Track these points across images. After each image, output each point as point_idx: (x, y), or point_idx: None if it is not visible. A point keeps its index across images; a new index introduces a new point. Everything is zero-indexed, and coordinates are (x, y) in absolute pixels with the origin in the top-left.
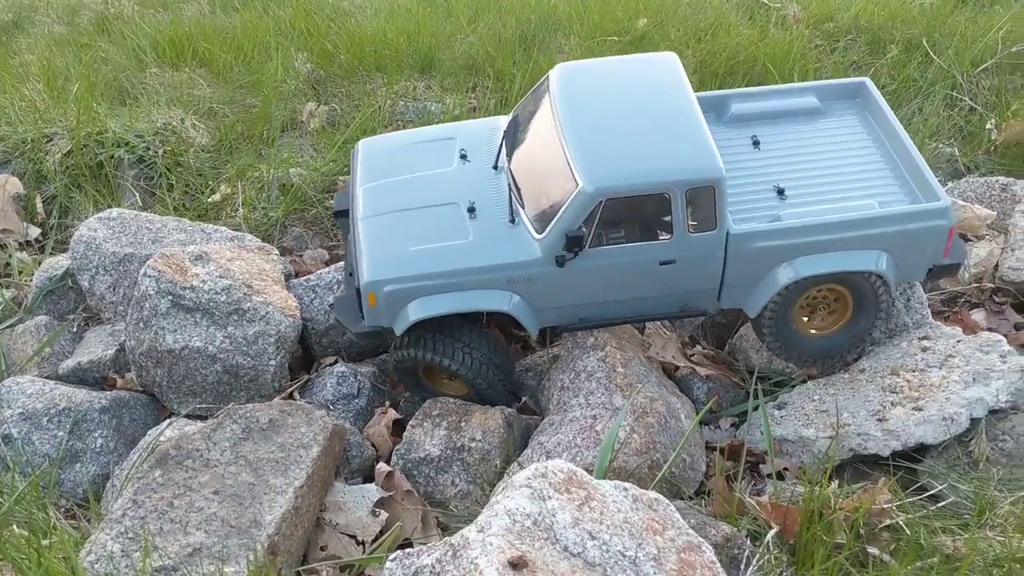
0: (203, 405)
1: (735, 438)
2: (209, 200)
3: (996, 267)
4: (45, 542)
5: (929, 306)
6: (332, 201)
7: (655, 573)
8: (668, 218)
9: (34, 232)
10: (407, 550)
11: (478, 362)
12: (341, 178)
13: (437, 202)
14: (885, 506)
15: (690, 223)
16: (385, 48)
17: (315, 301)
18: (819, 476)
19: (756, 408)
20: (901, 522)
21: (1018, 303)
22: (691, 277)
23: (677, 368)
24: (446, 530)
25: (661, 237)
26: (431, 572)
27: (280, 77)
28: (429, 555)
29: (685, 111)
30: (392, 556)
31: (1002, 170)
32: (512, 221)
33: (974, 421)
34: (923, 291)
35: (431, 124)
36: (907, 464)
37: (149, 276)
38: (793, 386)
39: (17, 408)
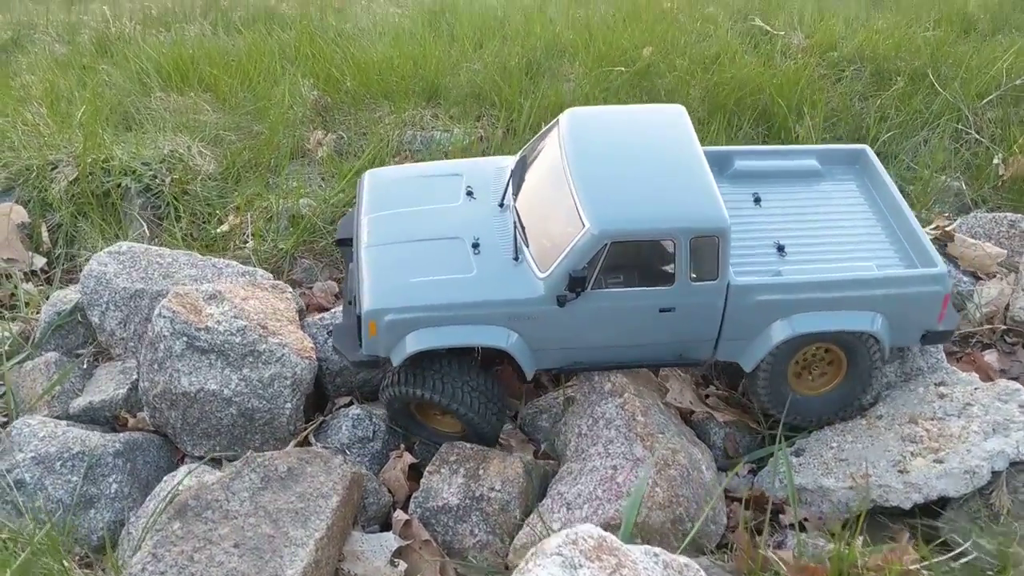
0: (217, 448)
1: (753, 486)
2: (217, 231)
3: (1007, 307)
4: None
5: (942, 347)
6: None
7: None
8: (671, 265)
9: (39, 261)
10: None
11: (470, 396)
12: (350, 209)
13: (442, 235)
14: (911, 567)
15: (692, 272)
16: (391, 74)
17: (329, 340)
18: (846, 534)
19: (772, 454)
20: None
21: None
22: (689, 326)
23: (692, 412)
24: None
25: (662, 284)
26: None
27: (287, 103)
28: None
29: (692, 162)
30: None
31: (1009, 205)
32: (516, 259)
33: (995, 474)
34: None
35: (439, 153)
36: (927, 518)
37: (164, 317)
38: (810, 432)
39: (29, 452)
